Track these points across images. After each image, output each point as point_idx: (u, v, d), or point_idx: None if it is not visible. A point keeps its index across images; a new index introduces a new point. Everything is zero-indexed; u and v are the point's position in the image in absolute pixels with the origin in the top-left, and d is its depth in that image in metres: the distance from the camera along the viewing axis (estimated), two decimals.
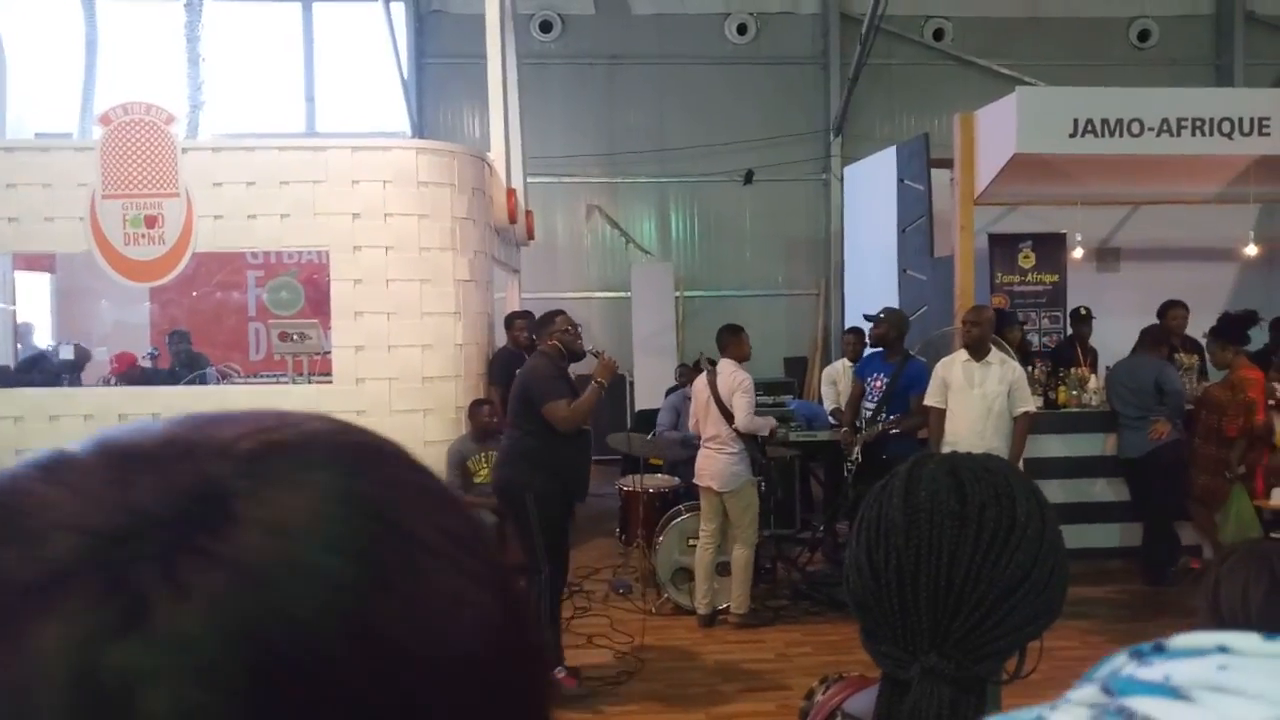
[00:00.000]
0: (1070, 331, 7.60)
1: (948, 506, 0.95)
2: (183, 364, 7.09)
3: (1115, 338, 6.62)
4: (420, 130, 11.39)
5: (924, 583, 0.93)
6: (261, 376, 7.70)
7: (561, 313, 4.88)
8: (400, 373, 6.38)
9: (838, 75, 11.58)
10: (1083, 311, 7.43)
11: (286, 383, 6.79)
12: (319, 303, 6.95)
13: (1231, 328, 6.00)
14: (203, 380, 6.99)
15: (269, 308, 8.38)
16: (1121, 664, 0.42)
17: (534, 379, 4.52)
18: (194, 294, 8.66)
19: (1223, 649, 0.41)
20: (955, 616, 0.92)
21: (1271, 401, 5.94)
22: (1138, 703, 0.38)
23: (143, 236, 6.28)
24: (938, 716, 0.91)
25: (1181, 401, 5.93)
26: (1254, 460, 5.73)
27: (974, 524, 0.94)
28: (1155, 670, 0.40)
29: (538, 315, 7.65)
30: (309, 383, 6.63)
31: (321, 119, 11.67)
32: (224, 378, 7.52)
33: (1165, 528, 6.06)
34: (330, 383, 6.45)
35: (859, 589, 0.98)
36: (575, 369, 4.81)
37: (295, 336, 6.74)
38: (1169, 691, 0.38)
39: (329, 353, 6.50)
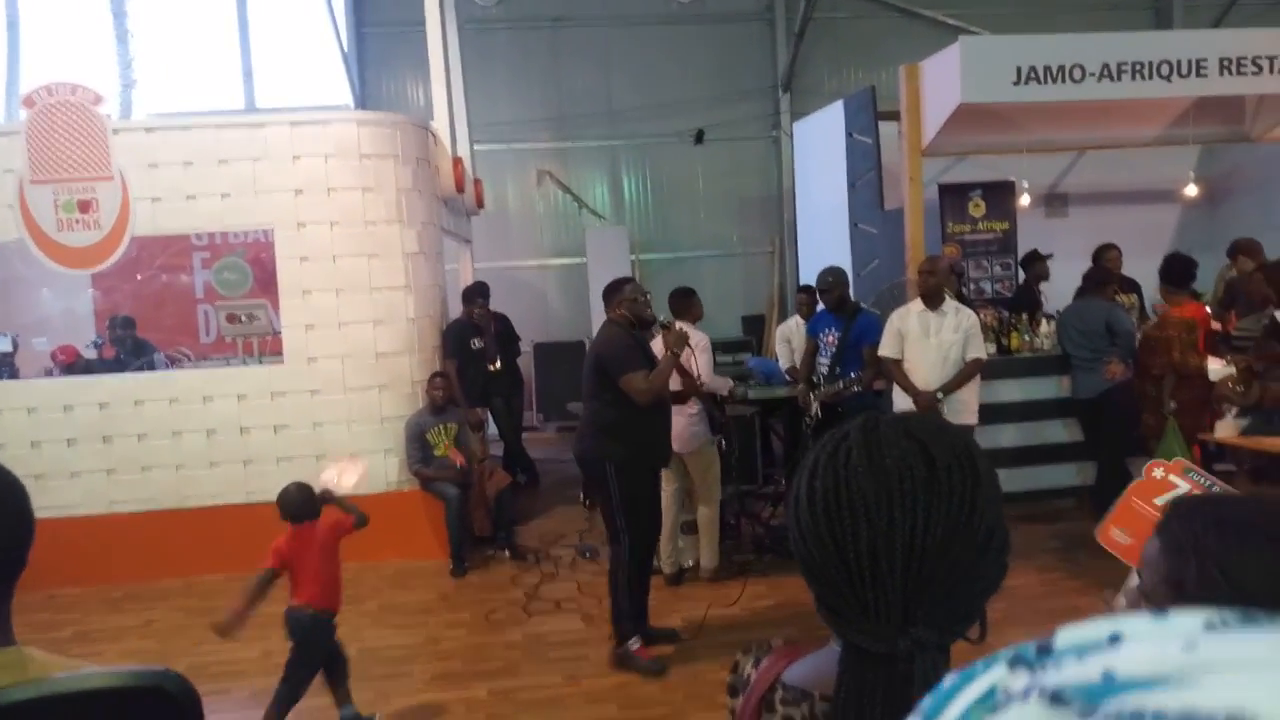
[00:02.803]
0: (1025, 276, 7.67)
1: (917, 472, 0.91)
2: (128, 351, 6.93)
3: (1066, 282, 6.70)
4: (363, 102, 11.16)
5: (898, 552, 0.89)
6: (212, 360, 7.54)
7: (630, 280, 4.72)
8: (352, 350, 6.30)
9: (784, 31, 11.50)
10: (1040, 253, 7.50)
11: (238, 365, 6.67)
12: (267, 282, 6.81)
13: (1172, 269, 6.13)
14: (150, 366, 6.84)
15: (216, 289, 8.21)
16: (1003, 677, 0.41)
17: (607, 351, 4.39)
18: (138, 278, 8.44)
19: (1115, 638, 0.40)
20: (930, 584, 0.89)
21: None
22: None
23: (77, 222, 6.11)
24: (923, 685, 0.88)
25: (1132, 342, 6.03)
26: (1188, 397, 5.86)
27: (944, 488, 0.91)
28: (1083, 670, 0.39)
29: (490, 285, 7.63)
30: (260, 364, 6.51)
31: (261, 94, 11.37)
32: (174, 363, 7.35)
33: (1117, 466, 6.19)
34: (282, 363, 6.35)
35: (818, 559, 0.93)
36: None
37: (244, 318, 6.62)
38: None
39: (279, 333, 6.39)
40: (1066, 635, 0.42)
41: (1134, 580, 1.42)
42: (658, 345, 4.71)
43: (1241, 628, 0.40)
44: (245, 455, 6.24)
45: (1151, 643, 0.39)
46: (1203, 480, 1.47)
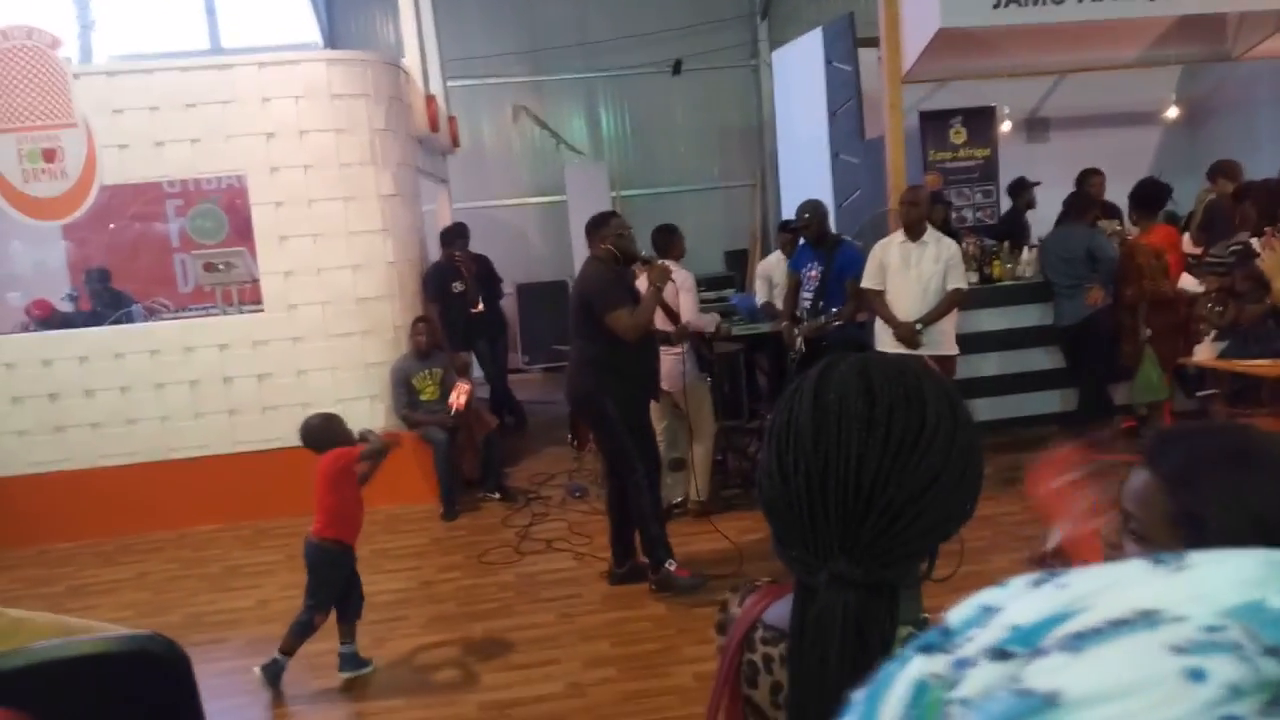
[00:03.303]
0: (1012, 204, 7.64)
1: (856, 409, 0.93)
2: (105, 304, 6.84)
3: (1048, 207, 6.69)
4: (332, 40, 10.88)
5: (832, 487, 0.91)
6: (192, 310, 7.46)
7: (615, 214, 4.70)
8: (332, 296, 6.25)
9: None
10: (1028, 181, 7.46)
11: (217, 314, 6.60)
12: (243, 229, 6.70)
13: (1143, 195, 6.14)
14: (129, 319, 6.77)
15: (192, 237, 8.08)
16: (923, 665, 0.44)
17: (591, 288, 4.37)
18: (111, 228, 8.30)
19: (987, 608, 0.45)
20: (864, 521, 0.91)
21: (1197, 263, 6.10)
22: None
23: (42, 172, 5.97)
24: (844, 621, 0.90)
25: (1113, 267, 6.05)
26: (1163, 322, 5.91)
27: (882, 427, 0.92)
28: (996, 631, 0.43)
29: (469, 226, 7.54)
30: (240, 313, 6.45)
31: (226, 35, 11.05)
32: (151, 314, 7.27)
33: (1099, 391, 6.26)
34: (262, 311, 6.29)
35: (769, 493, 0.96)
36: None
37: (221, 266, 6.52)
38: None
39: (258, 280, 6.32)
40: (954, 614, 0.46)
41: (1055, 539, 1.46)
42: (641, 283, 4.69)
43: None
44: (230, 405, 6.21)
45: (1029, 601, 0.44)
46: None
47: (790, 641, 0.95)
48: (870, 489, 0.91)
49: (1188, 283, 5.96)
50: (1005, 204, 8.38)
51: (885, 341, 5.55)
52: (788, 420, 0.96)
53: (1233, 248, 5.67)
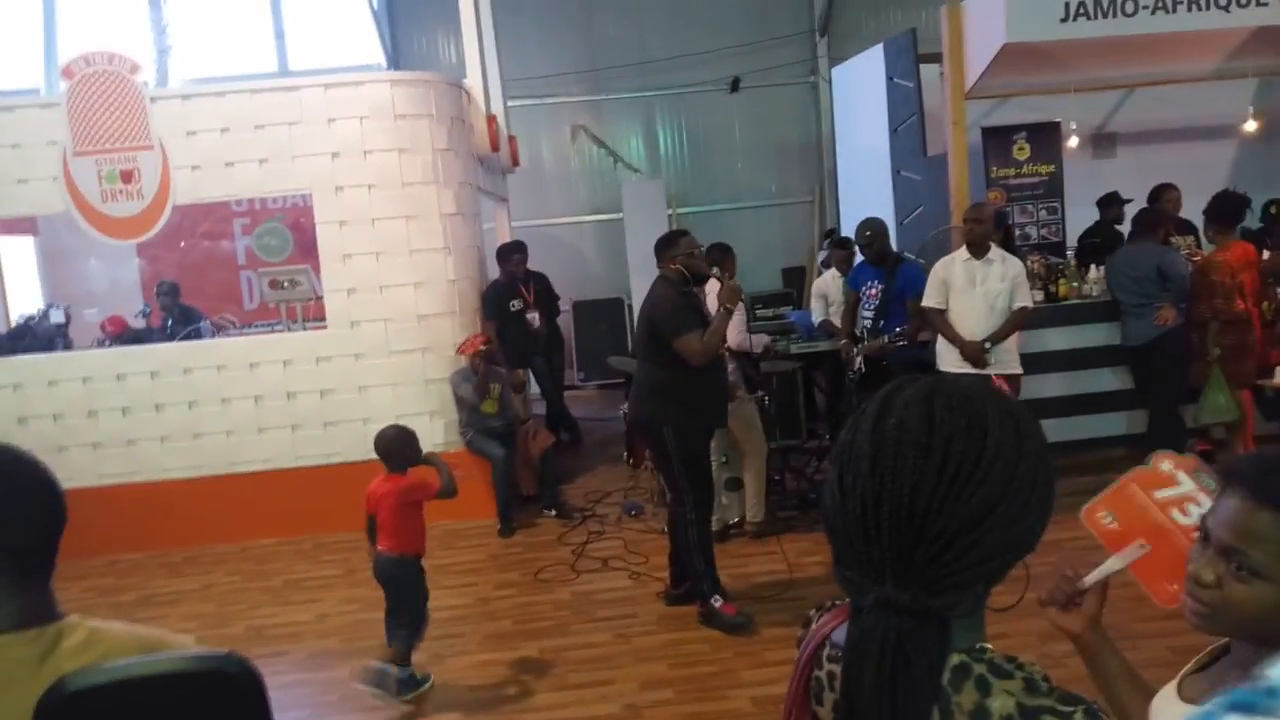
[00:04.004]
0: (1100, 218, 7.37)
1: (914, 436, 0.93)
2: (175, 319, 7.03)
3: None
4: (396, 61, 11.09)
5: (886, 511, 0.92)
6: (257, 326, 7.64)
7: (685, 233, 4.53)
8: (394, 313, 6.34)
9: None
10: (1120, 196, 7.23)
11: (281, 330, 6.74)
12: (308, 247, 6.85)
13: (1219, 209, 5.94)
14: (198, 335, 6.94)
15: (258, 255, 8.28)
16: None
17: (660, 312, 4.28)
18: (181, 246, 8.55)
19: None
20: (916, 548, 0.91)
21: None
22: None
23: (120, 192, 6.17)
24: (882, 646, 0.90)
25: (1184, 286, 5.86)
26: (1233, 344, 5.70)
27: (939, 455, 0.92)
28: None
29: (528, 244, 7.61)
30: (304, 329, 6.58)
31: (293, 56, 11.34)
32: (219, 330, 7.46)
33: (1170, 413, 6.06)
34: (325, 328, 6.41)
35: (830, 513, 0.98)
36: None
37: (286, 283, 6.66)
38: None
39: (321, 297, 6.44)
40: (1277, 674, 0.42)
41: (1115, 564, 1.39)
42: (710, 303, 4.63)
43: None
44: (293, 420, 6.33)
45: None
46: (1210, 484, 1.39)
47: (843, 661, 0.95)
48: (923, 517, 0.91)
49: None
50: (1072, 221, 8.19)
51: (949, 360, 5.45)
52: (850, 441, 0.98)
53: None
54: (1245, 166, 8.41)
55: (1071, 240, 7.90)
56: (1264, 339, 5.92)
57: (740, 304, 4.49)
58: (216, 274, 8.49)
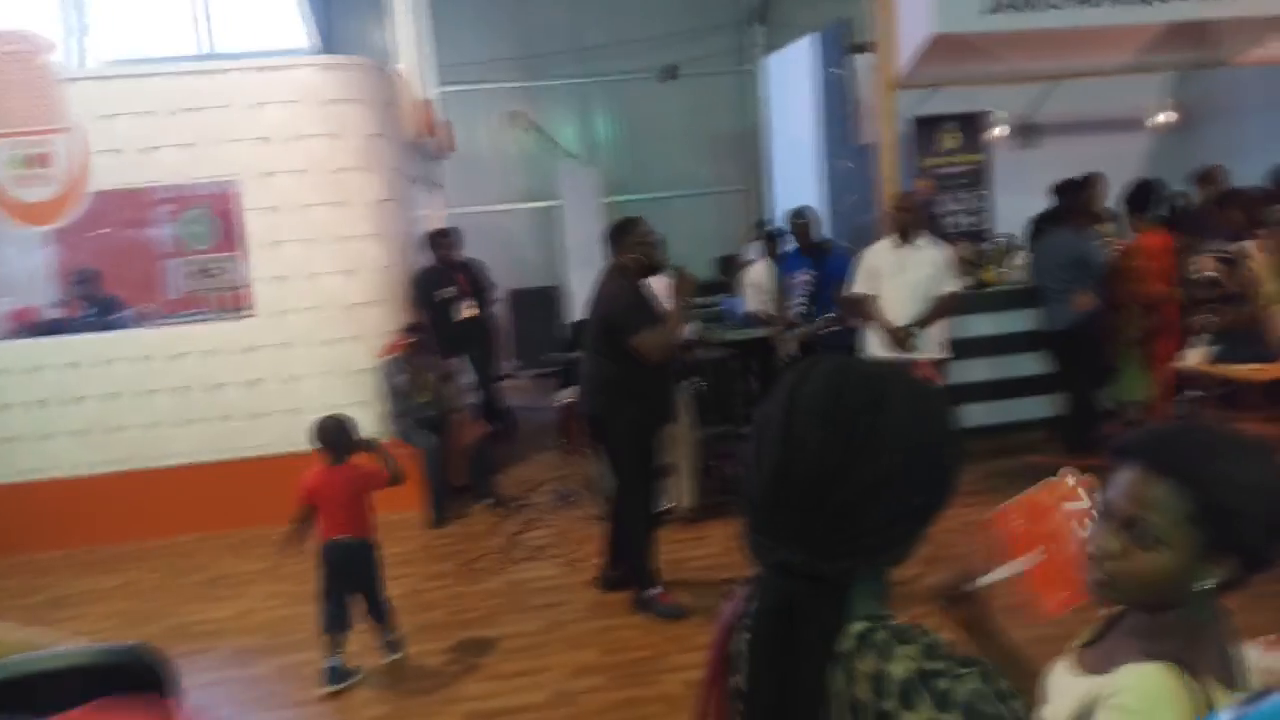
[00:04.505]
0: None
1: (821, 407, 0.98)
2: (94, 306, 6.81)
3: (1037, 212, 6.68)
4: (326, 45, 10.86)
5: (794, 478, 0.97)
6: (182, 315, 7.43)
7: (639, 220, 4.38)
8: (324, 301, 6.23)
9: None
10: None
11: (208, 320, 6.58)
12: (235, 235, 6.68)
13: (1138, 197, 6.14)
14: (120, 324, 6.73)
15: (184, 243, 8.05)
16: None
17: (615, 309, 4.16)
18: (101, 234, 8.25)
19: None
20: (818, 513, 0.96)
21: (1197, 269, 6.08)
22: None
23: (33, 177, 5.94)
24: (777, 606, 0.96)
25: (1102, 273, 6.05)
26: (1154, 326, 5.91)
27: (844, 426, 0.97)
28: None
29: (462, 231, 7.53)
30: (231, 319, 6.43)
31: (218, 38, 11.03)
32: (141, 319, 7.24)
33: (1087, 397, 6.25)
34: (253, 317, 6.27)
35: (745, 478, 1.04)
36: None
37: (213, 271, 6.50)
38: None
39: (249, 286, 6.30)
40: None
41: (1013, 568, 1.45)
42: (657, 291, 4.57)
43: None
44: (219, 412, 6.19)
45: None
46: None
47: (749, 625, 1.01)
48: (826, 485, 0.96)
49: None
50: (1000, 209, 8.38)
51: (876, 345, 5.53)
52: (766, 411, 1.03)
53: (1226, 251, 5.66)
54: (1161, 157, 8.67)
55: (1001, 227, 8.09)
56: (1177, 321, 6.13)
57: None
58: (139, 262, 8.22)
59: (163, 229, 8.52)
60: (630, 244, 4.26)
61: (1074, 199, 6.44)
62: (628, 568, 4.49)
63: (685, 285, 4.25)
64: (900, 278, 5.45)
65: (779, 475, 0.98)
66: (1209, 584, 1.19)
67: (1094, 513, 1.42)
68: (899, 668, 0.92)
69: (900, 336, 5.38)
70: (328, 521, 3.86)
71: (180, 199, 8.46)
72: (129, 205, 8.17)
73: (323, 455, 3.89)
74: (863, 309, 5.58)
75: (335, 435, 3.90)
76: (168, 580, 5.37)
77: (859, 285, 5.56)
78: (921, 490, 0.99)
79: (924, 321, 5.40)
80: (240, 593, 5.10)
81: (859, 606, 0.96)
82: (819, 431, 0.97)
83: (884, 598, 1.02)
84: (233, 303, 6.54)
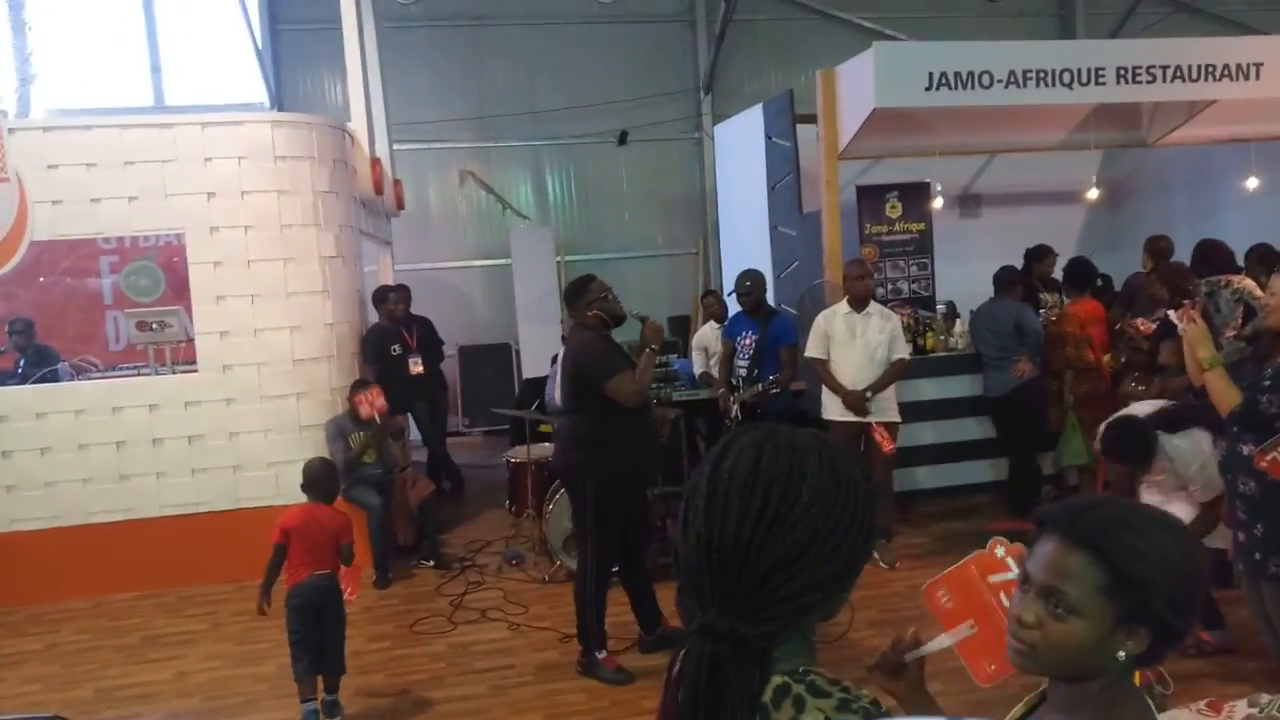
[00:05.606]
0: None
1: (741, 479, 1.03)
2: (29, 359, 6.64)
3: (980, 281, 6.88)
4: (280, 101, 10.88)
5: (715, 546, 1.01)
6: (121, 369, 7.28)
7: (593, 278, 4.49)
8: (269, 357, 6.16)
9: (705, 32, 11.57)
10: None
11: (148, 373, 6.45)
12: (180, 288, 6.59)
13: (1073, 272, 6.43)
14: (54, 377, 6.57)
15: (126, 295, 7.92)
16: None
17: (588, 357, 4.22)
18: (40, 282, 8.09)
19: None
20: (740, 580, 1.00)
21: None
22: None
23: None
24: (696, 669, 0.98)
25: (1040, 340, 6.25)
26: (1088, 391, 6.11)
27: (760, 497, 1.01)
28: None
29: (412, 288, 7.53)
30: (173, 373, 6.31)
31: (171, 92, 10.99)
32: (79, 372, 7.08)
33: (1028, 461, 6.41)
34: (195, 371, 6.16)
35: (676, 545, 1.08)
36: None
37: (155, 325, 6.39)
38: None
39: (193, 340, 6.21)
40: None
41: (943, 641, 1.50)
42: None
43: None
44: (158, 468, 6.03)
45: None
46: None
47: (673, 683, 1.03)
48: (745, 553, 1.00)
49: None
50: (941, 276, 8.62)
51: (833, 409, 5.64)
52: (695, 482, 1.07)
53: (1155, 319, 5.89)
54: (1093, 229, 9.04)
55: (942, 295, 8.31)
56: (1112, 388, 6.33)
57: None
58: (79, 313, 8.06)
59: (105, 280, 8.38)
60: (588, 302, 4.38)
61: (1029, 267, 6.71)
62: (582, 625, 4.42)
63: (652, 332, 4.36)
64: (853, 343, 5.61)
65: (703, 544, 1.02)
66: (1124, 655, 1.21)
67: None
68: (810, 718, 0.97)
69: (855, 400, 5.50)
70: (303, 560, 3.90)
71: (123, 250, 8.35)
72: (70, 256, 8.04)
73: (309, 495, 4.03)
74: (818, 373, 5.70)
75: (322, 475, 4.07)
76: (97, 641, 5.17)
77: (813, 349, 5.69)
78: (841, 555, 1.03)
79: (879, 385, 5.54)
80: (176, 654, 4.93)
81: (782, 663, 1.01)
82: (738, 502, 1.01)
83: (808, 653, 1.06)
84: (175, 356, 6.42)
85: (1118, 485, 4.18)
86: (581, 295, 4.40)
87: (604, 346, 4.30)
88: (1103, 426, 4.14)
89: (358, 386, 6.14)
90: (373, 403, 5.93)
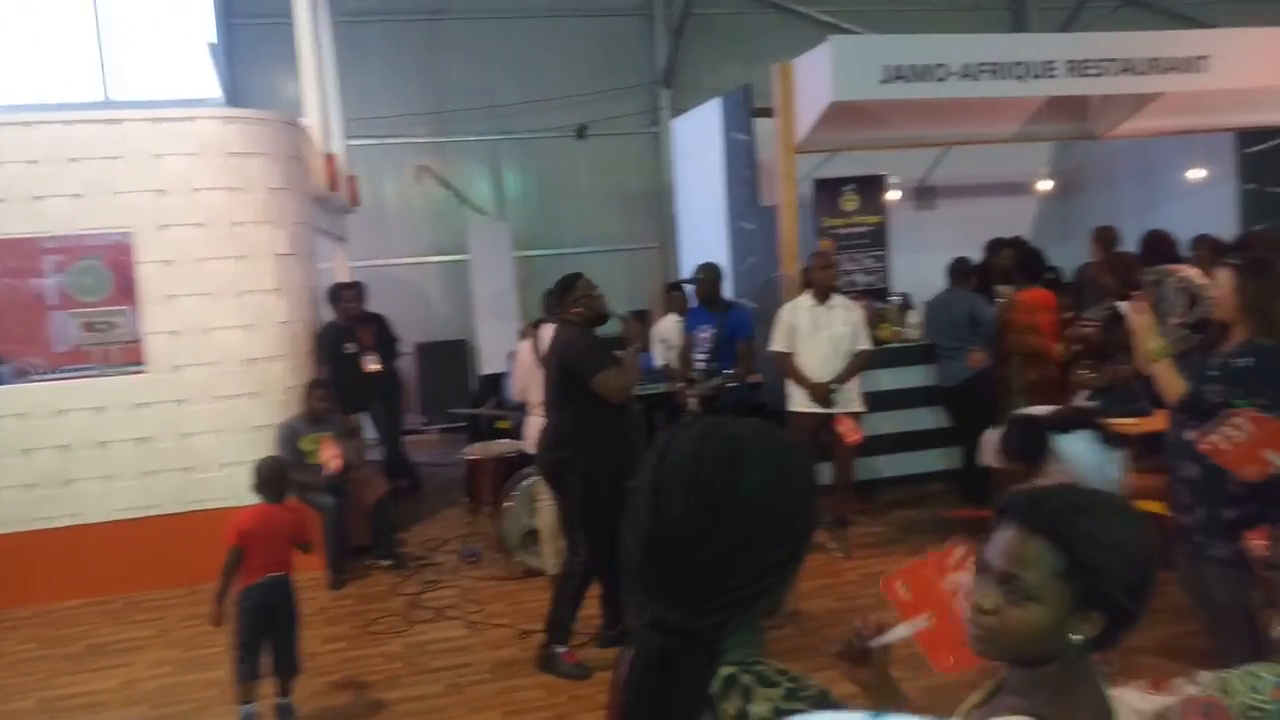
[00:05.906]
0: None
1: (684, 471, 1.03)
2: None
3: (936, 273, 6.94)
4: (234, 96, 10.69)
5: (659, 538, 1.01)
6: (66, 370, 7.11)
7: (580, 276, 4.56)
8: (221, 356, 6.05)
9: (664, 26, 11.56)
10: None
11: (95, 375, 6.31)
12: (128, 287, 6.46)
13: (1024, 264, 6.53)
14: None
15: (71, 295, 7.73)
16: None
17: (574, 354, 4.24)
18: None
19: None
20: (685, 572, 1.00)
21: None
22: None
23: None
24: (647, 661, 0.98)
25: (993, 330, 6.32)
26: (1038, 378, 6.20)
27: (702, 489, 1.01)
28: None
29: (367, 285, 7.44)
30: (120, 374, 6.17)
31: (120, 87, 10.75)
32: (22, 374, 6.90)
33: (979, 451, 6.47)
34: (144, 372, 6.04)
35: (626, 539, 1.07)
36: None
37: (102, 325, 6.26)
38: None
39: (141, 340, 6.08)
40: None
41: (903, 631, 1.53)
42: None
43: None
44: (105, 471, 5.92)
45: None
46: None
47: (623, 676, 1.03)
48: (690, 545, 1.00)
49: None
50: (897, 268, 8.70)
51: (798, 401, 5.68)
52: (641, 476, 1.07)
53: (1105, 310, 5.99)
54: (1045, 220, 9.17)
55: (897, 286, 8.39)
56: (1063, 375, 6.43)
57: None
58: (21, 314, 7.82)
59: (49, 280, 8.18)
60: (574, 299, 4.43)
61: (987, 260, 6.79)
62: (554, 617, 4.40)
63: (635, 331, 4.36)
64: (817, 335, 5.65)
65: (649, 538, 1.02)
66: (1079, 638, 1.24)
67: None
68: (759, 709, 0.97)
69: (821, 392, 5.54)
70: (258, 562, 3.83)
71: (69, 249, 8.14)
72: (12, 255, 7.83)
73: (262, 495, 3.96)
74: (783, 366, 5.72)
75: (273, 474, 4.01)
76: (42, 650, 5.05)
77: (778, 343, 5.72)
78: (785, 544, 1.03)
79: (844, 377, 5.58)
80: (123, 661, 4.83)
81: (730, 653, 1.01)
82: (682, 496, 1.01)
83: (756, 643, 1.06)
84: (123, 357, 6.29)
85: (1012, 484, 4.24)
86: (568, 292, 4.46)
87: (590, 342, 4.35)
88: (1004, 426, 4.21)
89: (312, 386, 6.07)
90: (334, 456, 5.82)
